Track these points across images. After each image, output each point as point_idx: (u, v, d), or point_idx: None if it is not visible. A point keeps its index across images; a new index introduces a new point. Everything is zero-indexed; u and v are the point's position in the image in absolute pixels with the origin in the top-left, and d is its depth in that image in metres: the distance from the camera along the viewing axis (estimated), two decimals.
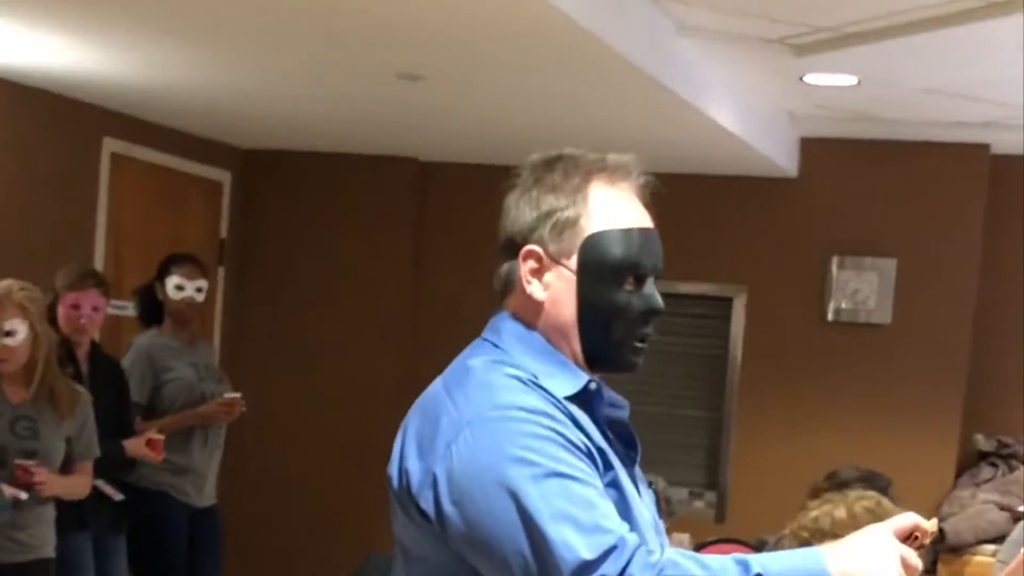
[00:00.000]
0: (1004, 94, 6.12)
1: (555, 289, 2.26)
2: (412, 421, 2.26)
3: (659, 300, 2.31)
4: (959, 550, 6.83)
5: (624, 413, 2.38)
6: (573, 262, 2.25)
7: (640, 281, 2.28)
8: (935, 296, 7.29)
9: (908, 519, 2.14)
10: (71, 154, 6.89)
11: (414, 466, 2.17)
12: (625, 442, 2.35)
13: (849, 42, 5.29)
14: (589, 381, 2.25)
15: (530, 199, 2.28)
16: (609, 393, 2.33)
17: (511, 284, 2.30)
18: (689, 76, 5.66)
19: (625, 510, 2.18)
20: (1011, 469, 7.12)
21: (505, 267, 2.31)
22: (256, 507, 7.90)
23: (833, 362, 7.44)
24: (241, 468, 7.57)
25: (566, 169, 2.28)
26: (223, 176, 8.10)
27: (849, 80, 5.92)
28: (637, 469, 2.38)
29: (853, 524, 3.52)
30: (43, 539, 5.03)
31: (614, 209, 2.27)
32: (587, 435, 2.19)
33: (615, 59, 4.95)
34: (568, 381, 2.23)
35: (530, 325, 2.28)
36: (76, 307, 5.60)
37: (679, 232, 7.60)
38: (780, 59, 5.62)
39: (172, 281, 6.09)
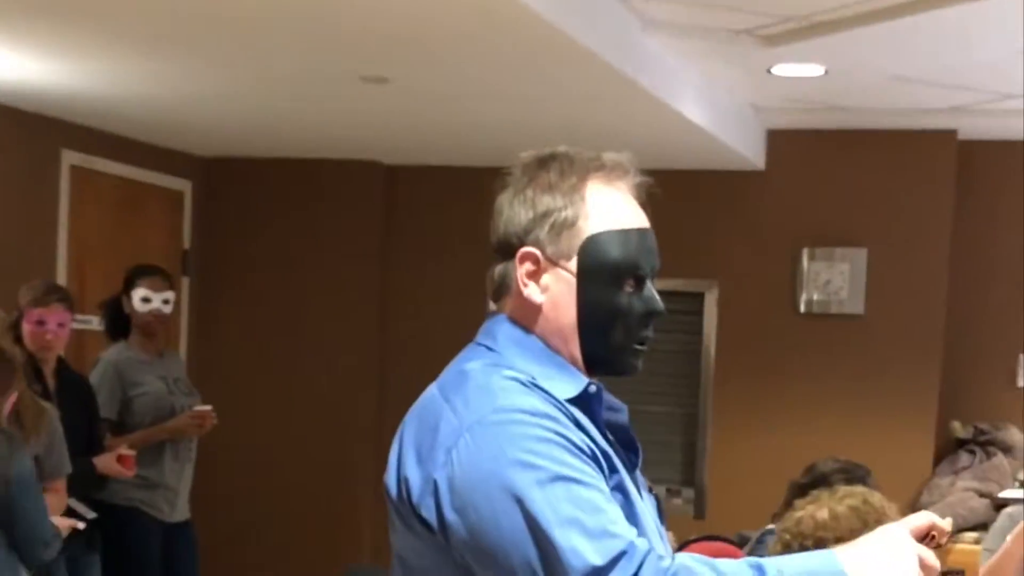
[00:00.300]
0: (970, 80, 6.10)
1: (554, 292, 2.19)
2: (408, 428, 2.19)
3: (659, 302, 2.28)
4: None
5: (623, 416, 2.32)
6: (573, 264, 2.18)
7: (640, 283, 2.24)
8: (907, 285, 7.27)
9: (924, 518, 2.09)
10: (30, 168, 6.80)
11: (413, 474, 2.10)
12: (625, 446, 2.29)
13: (815, 32, 5.27)
14: (589, 384, 2.19)
15: (524, 199, 2.20)
16: (607, 396, 2.27)
17: (506, 287, 2.23)
18: (656, 71, 5.61)
19: (631, 515, 2.12)
20: (989, 456, 7.10)
21: (499, 269, 2.24)
22: (230, 520, 7.81)
23: (807, 354, 7.40)
24: (212, 481, 7.48)
25: (562, 168, 2.22)
26: (184, 186, 8.01)
27: (816, 70, 5.89)
28: (638, 474, 2.33)
29: (836, 525, 3.47)
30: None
31: (613, 209, 2.23)
32: (590, 437, 2.13)
33: (582, 55, 4.91)
34: (568, 384, 2.17)
35: (527, 328, 2.22)
36: (41, 323, 5.51)
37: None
38: (747, 51, 5.59)
39: (138, 293, 6.00)
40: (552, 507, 1.97)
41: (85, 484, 5.53)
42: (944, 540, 2.09)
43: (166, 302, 6.05)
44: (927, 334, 7.25)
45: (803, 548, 3.47)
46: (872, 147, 7.27)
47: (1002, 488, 6.86)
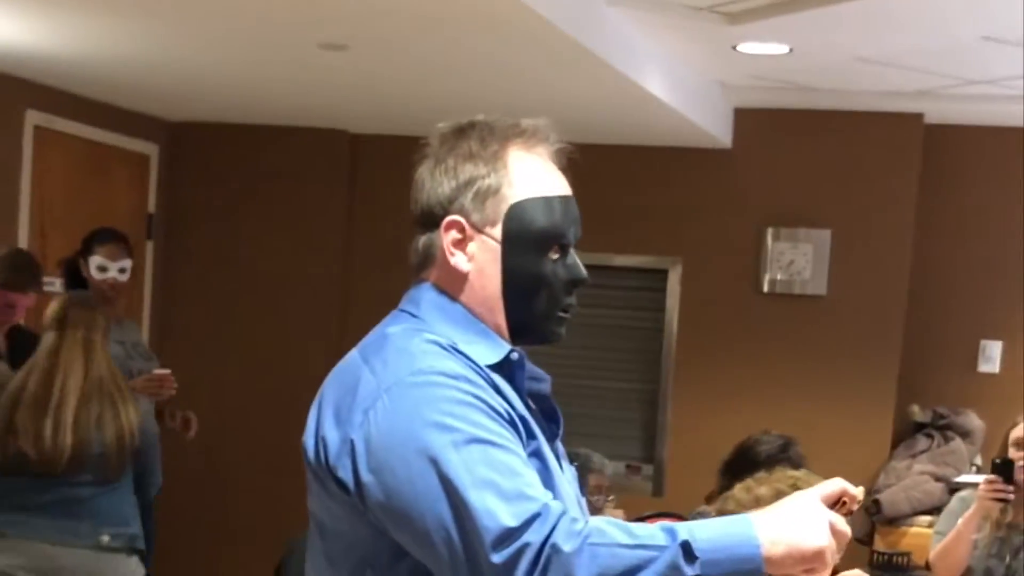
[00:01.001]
0: (937, 63, 6.09)
1: (480, 260, 2.20)
2: (328, 390, 2.20)
3: (583, 270, 2.27)
4: (895, 521, 6.82)
5: (546, 387, 2.33)
6: (498, 232, 2.20)
7: (564, 250, 2.25)
8: (870, 267, 7.27)
9: (835, 485, 2.09)
10: None
11: (331, 434, 2.11)
12: (547, 416, 2.31)
13: (780, 10, 5.24)
14: (511, 351, 2.20)
15: (446, 168, 2.21)
16: (530, 366, 2.28)
17: (430, 257, 2.24)
18: (619, 45, 5.58)
19: (548, 482, 2.13)
20: (947, 440, 7.12)
21: (423, 240, 2.25)
22: (188, 490, 7.77)
23: (769, 334, 7.40)
24: (169, 448, 7.45)
25: (482, 136, 2.22)
26: (150, 149, 7.97)
27: (781, 49, 5.87)
28: (559, 444, 2.33)
29: (756, 506, 3.50)
30: None
31: (535, 176, 2.23)
32: (510, 404, 2.14)
33: (542, 26, 4.87)
34: (489, 350, 2.18)
35: (453, 297, 2.23)
36: (11, 306, 5.51)
37: (613, 204, 7.59)
38: (712, 28, 5.57)
39: (94, 261, 5.97)
40: (467, 469, 1.98)
41: None
42: (855, 507, 2.10)
43: (122, 270, 6.00)
44: (888, 317, 7.25)
45: None
46: (839, 128, 7.25)
47: (959, 473, 6.87)
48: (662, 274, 7.59)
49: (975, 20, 5.22)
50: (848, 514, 2.08)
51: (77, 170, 7.36)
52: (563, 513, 1.96)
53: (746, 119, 7.38)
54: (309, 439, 2.18)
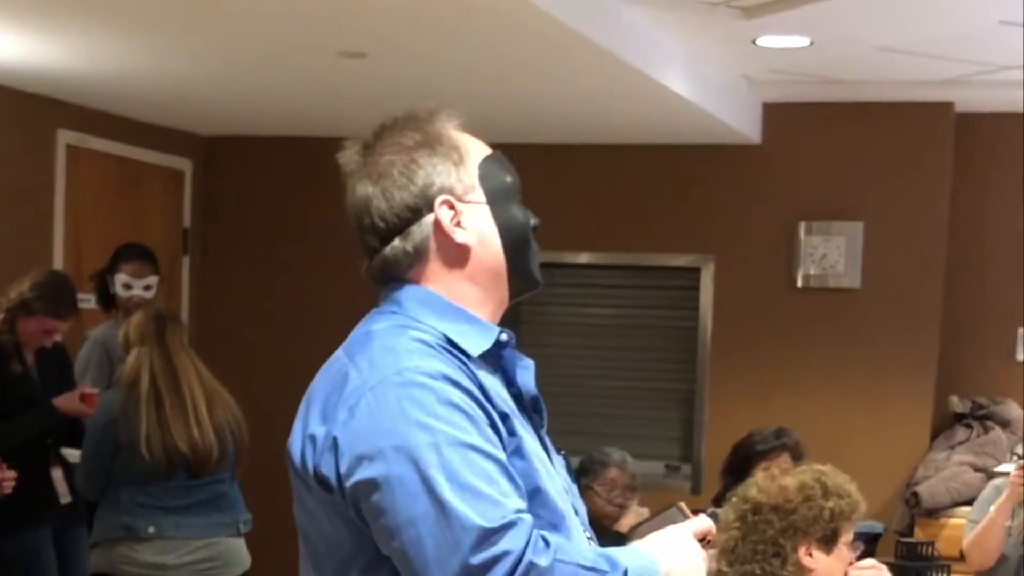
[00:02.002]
0: (964, 51, 6.06)
1: (477, 228, 2.23)
2: (315, 389, 2.22)
3: (531, 213, 2.32)
4: (935, 513, 6.76)
5: (530, 373, 2.32)
6: (480, 195, 2.23)
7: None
8: (904, 258, 7.22)
9: (705, 523, 2.29)
10: (24, 148, 6.83)
11: (317, 432, 2.12)
12: (534, 409, 2.31)
13: (796, 2, 5.23)
14: (500, 332, 2.22)
15: (402, 164, 2.22)
16: (514, 353, 2.29)
17: (422, 253, 2.23)
18: (639, 44, 5.58)
19: (532, 476, 2.14)
20: (986, 430, 7.05)
21: (406, 242, 2.23)
22: None
23: (804, 329, 7.37)
24: None
25: (412, 127, 2.26)
26: (184, 164, 8.03)
27: (801, 41, 5.85)
28: (544, 435, 2.34)
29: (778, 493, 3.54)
30: None
31: (473, 140, 2.28)
32: (491, 401, 2.13)
33: (560, 29, 4.89)
34: (480, 335, 2.19)
35: (451, 284, 2.23)
36: (50, 332, 5.58)
37: (645, 204, 7.59)
38: (729, 23, 5.56)
39: (120, 279, 6.05)
40: (447, 471, 1.99)
41: (54, 428, 5.57)
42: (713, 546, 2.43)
43: (147, 288, 6.08)
44: (924, 308, 7.20)
45: (743, 512, 3.51)
46: (869, 120, 7.22)
47: (998, 463, 6.80)
48: (695, 272, 7.57)
49: (989, 5, 5.19)
50: (708, 545, 2.30)
51: (111, 188, 7.43)
52: (534, 526, 2.01)
53: (775, 114, 7.35)
54: (295, 441, 2.19)
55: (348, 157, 2.28)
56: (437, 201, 2.20)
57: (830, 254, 7.29)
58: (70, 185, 7.09)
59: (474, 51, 5.46)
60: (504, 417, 2.14)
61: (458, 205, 2.21)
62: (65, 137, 7.04)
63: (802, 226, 7.34)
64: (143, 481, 5.16)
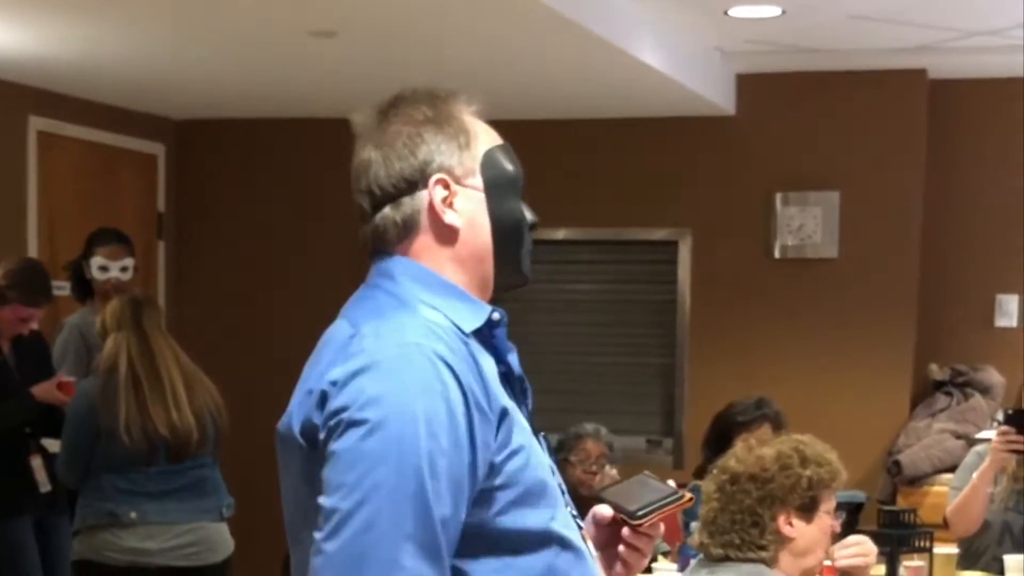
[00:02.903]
0: (936, 17, 6.05)
1: (468, 212, 2.22)
2: (318, 355, 2.19)
3: (532, 212, 2.33)
4: (917, 481, 6.78)
5: (514, 357, 2.31)
6: (478, 181, 2.23)
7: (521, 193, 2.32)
8: (881, 226, 7.21)
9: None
10: None
11: (315, 387, 2.10)
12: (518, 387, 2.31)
13: None
14: (493, 310, 2.22)
15: (408, 136, 2.21)
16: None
17: (412, 226, 2.22)
18: (610, 17, 5.56)
19: (533, 468, 2.15)
20: (966, 397, 7.06)
21: (396, 212, 2.22)
22: None
23: (783, 299, 7.36)
24: None
25: (427, 102, 2.24)
26: (157, 149, 7.99)
27: (773, 11, 5.84)
28: (528, 411, 2.34)
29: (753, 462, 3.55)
30: None
31: (485, 129, 2.28)
32: (489, 396, 2.11)
33: (529, 2, 4.88)
34: (472, 313, 2.19)
35: (436, 261, 2.22)
36: (25, 320, 5.55)
37: (619, 178, 7.57)
38: None
39: (96, 262, 6.00)
40: (430, 457, 1.99)
41: (27, 414, 5.53)
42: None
43: (124, 269, 6.03)
44: (902, 276, 7.20)
45: (721, 482, 3.52)
46: (842, 89, 7.20)
47: (979, 429, 6.81)
48: (673, 246, 7.56)
49: None
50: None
51: (84, 174, 7.39)
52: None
53: (749, 85, 7.34)
54: (292, 405, 2.19)
55: (360, 120, 2.27)
56: (433, 179, 2.20)
57: (807, 224, 7.29)
58: (42, 172, 7.05)
59: (442, 27, 5.44)
60: (503, 414, 2.13)
61: (454, 186, 2.21)
62: (37, 124, 7.00)
63: (778, 197, 7.33)
64: (124, 467, 5.16)
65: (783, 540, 3.46)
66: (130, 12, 5.30)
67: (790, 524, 3.46)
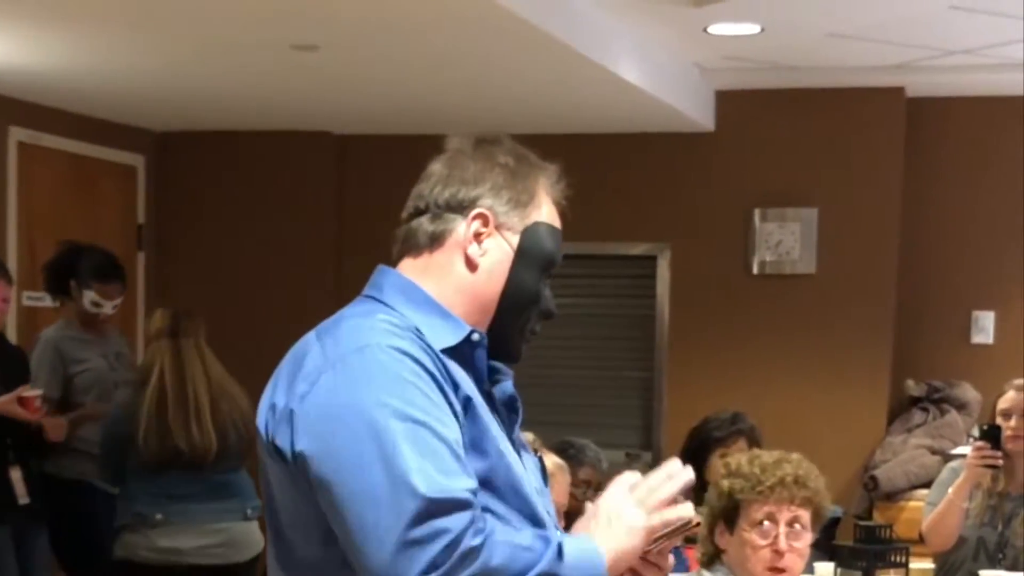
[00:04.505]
0: (909, 35, 6.10)
1: (491, 259, 2.29)
2: (282, 366, 2.27)
3: (554, 304, 2.40)
4: (893, 496, 6.81)
5: (508, 381, 2.39)
6: (515, 241, 2.30)
7: (550, 279, 2.38)
8: (858, 243, 7.25)
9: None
10: None
11: (278, 402, 2.19)
12: (508, 407, 2.37)
13: None
14: (472, 331, 2.26)
15: (481, 169, 2.31)
16: (491, 362, 2.34)
17: (439, 239, 2.30)
18: (590, 33, 5.58)
19: (502, 467, 2.21)
20: (942, 413, 7.10)
21: (435, 222, 2.30)
22: None
23: (760, 315, 7.39)
24: None
25: (515, 155, 2.35)
26: (137, 160, 7.98)
27: (752, 29, 5.87)
28: (518, 432, 2.39)
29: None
30: None
31: (551, 209, 2.38)
32: (455, 384, 2.19)
33: (509, 19, 4.91)
34: (450, 331, 2.25)
35: (439, 283, 2.28)
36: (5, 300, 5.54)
37: (599, 193, 7.58)
38: (680, 11, 5.58)
39: (89, 296, 6.01)
40: (397, 444, 2.05)
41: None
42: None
43: (115, 307, 6.10)
44: (879, 292, 7.24)
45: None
46: (821, 106, 7.24)
47: (955, 445, 6.85)
48: (651, 260, 7.59)
49: None
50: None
51: (64, 185, 7.38)
52: (475, 507, 2.07)
53: (728, 101, 7.37)
54: (260, 412, 2.25)
55: (455, 140, 2.38)
56: (476, 211, 2.29)
57: (785, 240, 7.32)
58: (22, 183, 7.04)
59: (424, 42, 5.45)
60: (467, 400, 2.19)
61: (491, 228, 2.29)
62: (17, 135, 6.99)
63: (757, 213, 7.37)
64: (147, 472, 5.38)
65: (719, 552, 3.60)
66: (111, 24, 5.31)
67: (722, 536, 3.58)
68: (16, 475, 5.56)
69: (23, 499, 5.56)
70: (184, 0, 4.88)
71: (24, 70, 6.22)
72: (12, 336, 6.19)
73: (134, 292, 7.87)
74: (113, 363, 6.11)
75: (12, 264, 6.76)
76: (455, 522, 2.01)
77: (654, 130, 7.39)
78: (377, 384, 2.08)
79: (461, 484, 2.05)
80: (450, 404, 2.15)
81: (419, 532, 2.00)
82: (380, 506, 2.02)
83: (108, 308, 6.05)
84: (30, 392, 5.54)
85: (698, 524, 2.35)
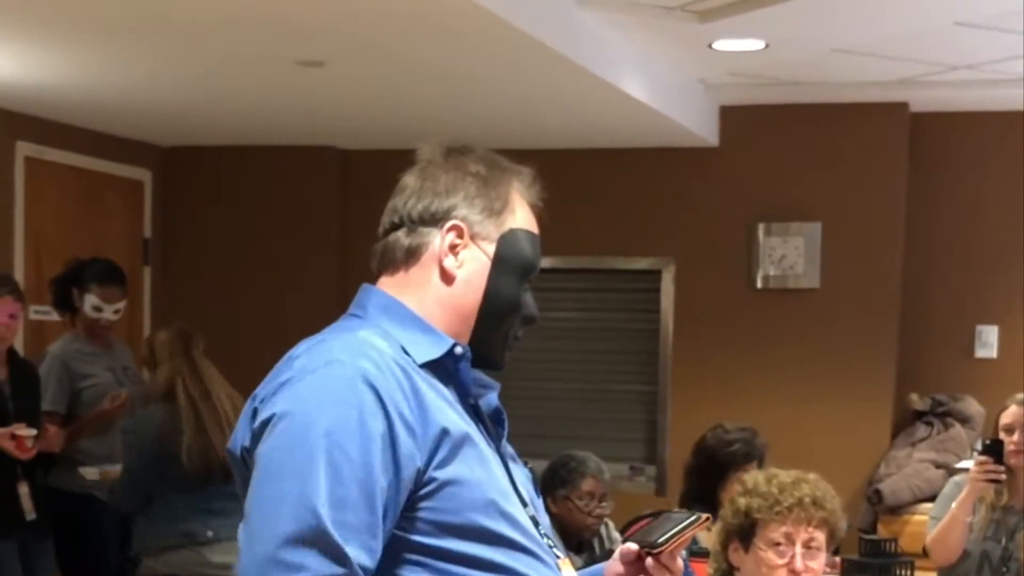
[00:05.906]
0: (914, 51, 6.12)
1: (468, 270, 2.28)
2: (262, 384, 2.27)
3: (536, 309, 2.38)
4: (897, 510, 6.82)
5: (493, 394, 2.38)
6: (491, 249, 2.29)
7: (530, 284, 2.36)
8: (862, 257, 7.27)
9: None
10: None
11: (248, 410, 2.21)
12: (494, 420, 2.37)
13: (750, 5, 5.27)
14: (454, 344, 2.25)
15: (452, 180, 2.29)
16: (478, 374, 2.33)
17: (415, 255, 2.29)
18: (595, 49, 5.61)
19: (482, 488, 2.17)
20: (946, 427, 7.11)
21: (409, 237, 2.30)
22: None
23: (764, 329, 7.41)
24: None
25: (487, 162, 2.33)
26: (144, 175, 8.02)
27: (757, 44, 5.89)
28: (506, 445, 2.37)
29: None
30: None
31: (527, 213, 2.36)
32: (426, 413, 2.14)
33: (515, 35, 4.92)
34: (432, 345, 2.24)
35: (420, 298, 2.28)
36: (14, 316, 5.55)
37: (604, 207, 7.61)
38: (685, 27, 5.60)
39: (90, 300, 6.02)
40: (320, 473, 2.04)
41: None
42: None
43: (116, 311, 6.09)
44: (883, 307, 7.26)
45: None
46: (825, 121, 7.27)
47: (959, 459, 6.87)
48: (656, 275, 7.61)
49: (945, 5, 5.24)
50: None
51: (70, 199, 7.41)
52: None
53: (732, 116, 7.40)
54: (238, 426, 2.27)
55: (424, 150, 2.36)
56: (450, 223, 2.27)
57: (789, 255, 7.34)
58: (29, 197, 7.07)
59: (429, 58, 5.47)
60: (444, 432, 2.15)
61: (466, 239, 2.28)
62: (24, 149, 7.03)
63: (761, 227, 7.39)
64: (189, 488, 5.35)
65: (732, 569, 3.58)
66: (118, 40, 5.33)
67: (736, 552, 3.57)
68: (24, 491, 5.57)
69: (30, 515, 5.57)
70: (190, 17, 4.90)
71: (31, 85, 6.24)
72: (19, 349, 6.20)
73: (140, 305, 7.90)
74: (120, 376, 6.12)
75: (19, 277, 6.79)
76: (323, 567, 2.01)
77: (659, 145, 7.42)
78: (328, 411, 2.07)
79: (354, 551, 2.04)
80: (409, 427, 2.11)
81: (290, 555, 2.02)
82: (278, 513, 2.04)
83: (109, 313, 6.04)
84: (24, 432, 5.50)
85: (708, 518, 2.33)
